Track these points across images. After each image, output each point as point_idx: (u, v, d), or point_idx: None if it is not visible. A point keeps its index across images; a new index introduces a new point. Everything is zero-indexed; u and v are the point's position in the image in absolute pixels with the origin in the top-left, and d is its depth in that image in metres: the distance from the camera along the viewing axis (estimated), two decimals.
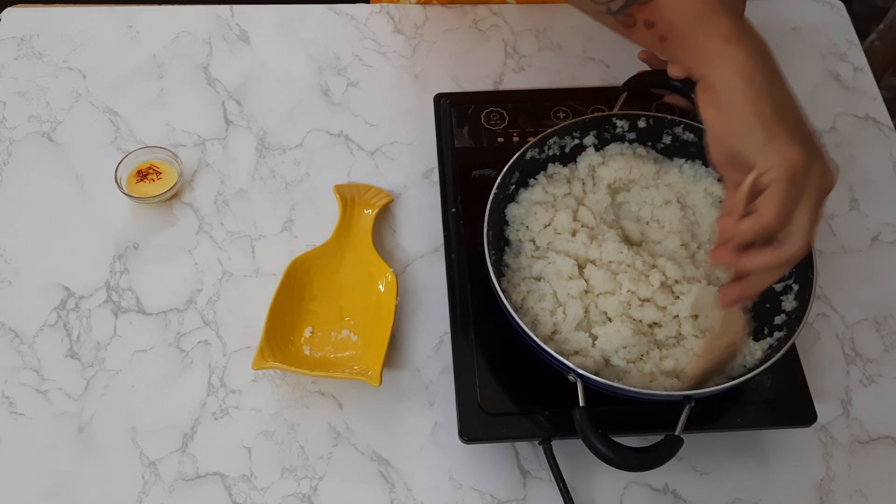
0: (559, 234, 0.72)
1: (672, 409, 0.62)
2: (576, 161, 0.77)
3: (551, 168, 0.76)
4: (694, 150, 0.76)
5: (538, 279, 0.69)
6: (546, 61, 0.94)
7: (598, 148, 0.77)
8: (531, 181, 0.76)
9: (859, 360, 0.76)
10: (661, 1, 0.56)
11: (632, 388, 0.61)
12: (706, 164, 0.75)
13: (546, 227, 0.73)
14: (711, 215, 0.74)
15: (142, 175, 0.82)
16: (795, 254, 0.53)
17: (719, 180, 0.74)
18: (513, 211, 0.74)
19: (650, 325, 0.68)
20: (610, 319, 0.67)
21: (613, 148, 0.77)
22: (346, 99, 0.91)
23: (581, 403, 0.61)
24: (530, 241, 0.73)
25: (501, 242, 0.73)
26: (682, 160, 0.77)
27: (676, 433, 0.60)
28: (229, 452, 0.70)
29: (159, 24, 0.96)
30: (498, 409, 0.68)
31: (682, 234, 0.73)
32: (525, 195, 0.75)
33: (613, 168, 0.75)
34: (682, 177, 0.76)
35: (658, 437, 0.61)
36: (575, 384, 0.62)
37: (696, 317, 0.68)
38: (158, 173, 0.82)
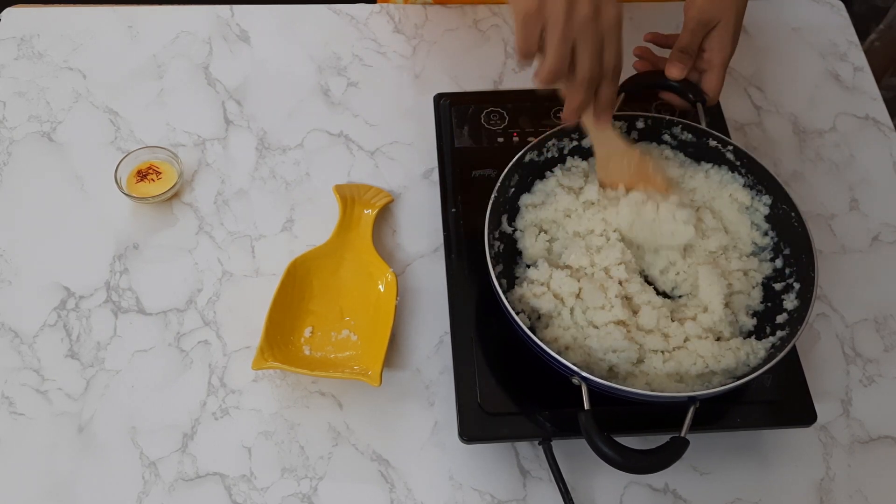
0: (569, 217, 0.73)
1: (674, 410, 0.62)
2: None
3: (570, 161, 0.76)
4: (720, 156, 0.75)
5: (542, 283, 0.69)
6: None
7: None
8: (547, 174, 0.76)
9: (859, 360, 0.76)
10: None
11: (638, 391, 0.61)
12: (732, 168, 0.75)
13: (559, 212, 0.73)
14: (739, 221, 0.74)
15: (142, 175, 0.82)
16: (543, 69, 0.62)
17: (744, 186, 0.75)
18: (526, 200, 0.75)
19: (647, 331, 0.67)
20: (604, 324, 0.67)
21: (640, 146, 0.77)
22: (346, 99, 0.91)
23: (586, 406, 0.60)
24: (538, 226, 0.73)
25: (503, 245, 0.73)
26: (709, 165, 0.76)
27: (682, 434, 0.60)
28: (229, 452, 0.70)
29: (159, 24, 0.96)
30: (498, 409, 0.68)
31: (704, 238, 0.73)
32: (539, 186, 0.75)
33: None
34: (708, 182, 0.75)
35: (661, 437, 0.61)
36: (579, 387, 0.62)
37: (705, 309, 0.68)
38: (158, 173, 0.82)
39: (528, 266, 0.72)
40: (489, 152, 0.82)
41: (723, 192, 0.75)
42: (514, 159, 0.72)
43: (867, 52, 0.98)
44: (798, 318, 0.65)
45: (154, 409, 0.71)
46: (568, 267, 0.70)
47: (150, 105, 0.89)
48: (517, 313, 0.65)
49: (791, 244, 0.71)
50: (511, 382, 0.69)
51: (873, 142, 0.90)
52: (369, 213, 0.80)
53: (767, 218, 0.73)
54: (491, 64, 0.94)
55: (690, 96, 0.77)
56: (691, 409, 0.61)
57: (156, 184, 0.81)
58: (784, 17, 1.00)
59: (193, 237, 0.81)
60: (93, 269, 0.78)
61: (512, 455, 0.70)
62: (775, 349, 0.65)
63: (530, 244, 0.72)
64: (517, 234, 0.74)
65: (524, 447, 0.71)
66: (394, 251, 0.81)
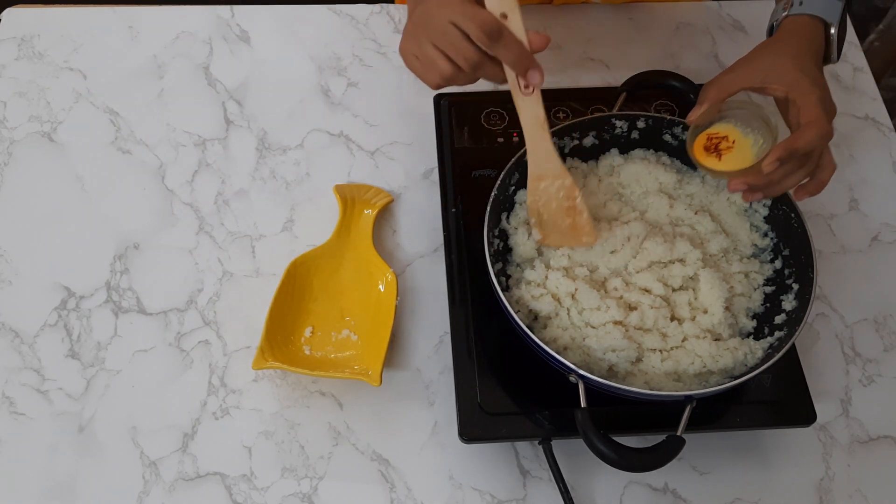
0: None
1: (673, 409, 0.62)
2: (597, 160, 0.77)
3: (569, 161, 0.76)
4: None
5: (538, 284, 0.69)
6: (546, 61, 0.94)
7: (622, 151, 0.77)
8: None
9: (859, 360, 0.76)
10: None
11: (634, 389, 0.61)
12: None
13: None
14: (738, 223, 0.74)
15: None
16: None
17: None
18: (522, 196, 0.74)
19: (645, 330, 0.67)
20: (602, 324, 0.67)
21: (637, 153, 0.77)
22: (346, 99, 0.91)
23: (583, 404, 0.61)
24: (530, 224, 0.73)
25: (503, 244, 0.73)
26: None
27: (678, 433, 0.60)
28: (229, 452, 0.70)
29: (159, 24, 0.96)
30: (498, 409, 0.68)
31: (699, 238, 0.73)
32: None
33: (633, 172, 0.75)
34: (705, 187, 0.76)
35: (659, 437, 0.61)
36: (576, 385, 0.62)
37: (705, 311, 0.68)
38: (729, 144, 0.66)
39: (519, 265, 0.72)
40: (489, 152, 0.82)
41: (720, 195, 0.75)
42: (515, 158, 0.72)
43: (867, 53, 0.98)
44: (796, 318, 0.65)
45: (154, 409, 0.71)
46: (562, 267, 0.70)
47: (150, 105, 0.89)
48: (516, 312, 0.65)
49: (791, 245, 0.71)
50: (511, 382, 0.69)
51: (873, 142, 0.90)
52: (369, 213, 0.80)
53: (767, 219, 0.73)
54: None
55: (691, 96, 0.77)
56: (688, 408, 0.62)
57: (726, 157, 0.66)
58: None
59: (194, 237, 0.81)
60: (93, 269, 0.78)
61: (512, 455, 0.70)
62: (773, 350, 0.65)
63: (521, 241, 0.72)
64: (510, 230, 0.74)
65: (524, 447, 0.71)
66: (394, 251, 0.81)
